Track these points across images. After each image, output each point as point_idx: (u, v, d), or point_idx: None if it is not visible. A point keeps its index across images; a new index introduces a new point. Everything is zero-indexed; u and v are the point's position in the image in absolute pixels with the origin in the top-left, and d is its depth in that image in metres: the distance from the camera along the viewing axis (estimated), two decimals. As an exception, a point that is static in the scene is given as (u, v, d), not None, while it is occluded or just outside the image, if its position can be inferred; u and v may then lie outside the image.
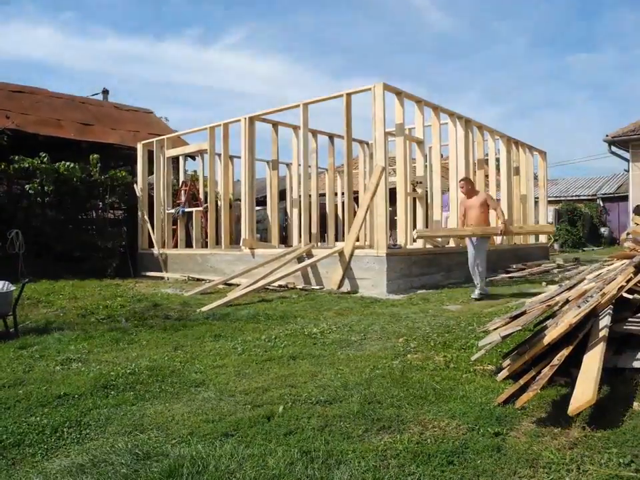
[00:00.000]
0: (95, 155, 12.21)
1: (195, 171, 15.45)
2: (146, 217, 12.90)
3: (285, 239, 15.17)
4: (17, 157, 11.04)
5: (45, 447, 2.61)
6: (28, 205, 11.19)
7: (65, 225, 11.92)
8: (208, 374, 3.78)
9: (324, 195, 12.73)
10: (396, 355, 4.19)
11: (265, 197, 14.36)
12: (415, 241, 9.24)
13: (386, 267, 8.25)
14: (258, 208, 12.36)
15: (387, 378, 3.53)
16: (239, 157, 11.52)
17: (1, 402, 3.21)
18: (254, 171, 10.99)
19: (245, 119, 10.67)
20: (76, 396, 3.32)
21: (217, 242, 11.85)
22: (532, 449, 2.43)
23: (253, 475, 2.23)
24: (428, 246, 9.63)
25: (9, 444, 2.63)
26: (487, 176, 12.77)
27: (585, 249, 21.29)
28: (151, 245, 12.82)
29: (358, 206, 10.59)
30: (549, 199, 19.90)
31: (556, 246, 20.64)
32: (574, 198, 26.14)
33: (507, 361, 3.61)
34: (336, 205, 14.18)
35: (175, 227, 12.83)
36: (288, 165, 15.10)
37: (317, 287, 8.84)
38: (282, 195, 14.51)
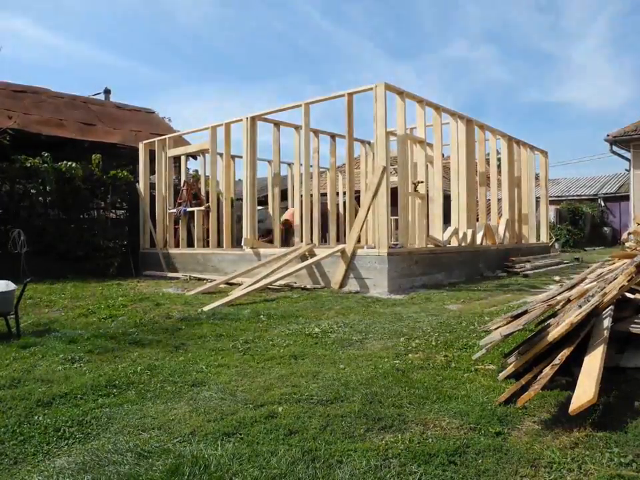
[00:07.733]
0: (97, 155, 12.24)
1: (197, 171, 15.48)
2: (148, 217, 12.93)
3: (286, 239, 15.18)
4: (19, 157, 11.07)
5: (47, 446, 2.61)
6: (30, 204, 11.22)
7: (66, 225, 11.94)
8: (209, 373, 3.78)
9: (325, 194, 12.74)
10: (397, 354, 4.19)
11: (267, 196, 14.38)
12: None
13: (387, 267, 8.25)
14: (259, 207, 12.38)
15: (388, 377, 3.53)
16: (241, 157, 11.53)
17: (2, 401, 3.22)
18: (255, 171, 11.00)
19: (247, 118, 10.68)
20: (77, 395, 3.33)
21: (219, 241, 11.86)
22: (533, 449, 2.42)
23: (255, 474, 2.23)
24: (429, 245, 9.63)
25: (11, 443, 2.64)
26: (488, 176, 12.78)
27: (586, 248, 21.25)
28: (152, 244, 12.84)
29: (359, 205, 10.61)
30: (550, 198, 19.91)
31: (557, 246, 20.60)
32: (575, 197, 26.12)
33: (509, 361, 3.61)
34: (337, 205, 14.19)
35: (176, 226, 12.84)
36: (290, 165, 15.13)
37: (319, 287, 8.85)
38: (284, 195, 14.53)
